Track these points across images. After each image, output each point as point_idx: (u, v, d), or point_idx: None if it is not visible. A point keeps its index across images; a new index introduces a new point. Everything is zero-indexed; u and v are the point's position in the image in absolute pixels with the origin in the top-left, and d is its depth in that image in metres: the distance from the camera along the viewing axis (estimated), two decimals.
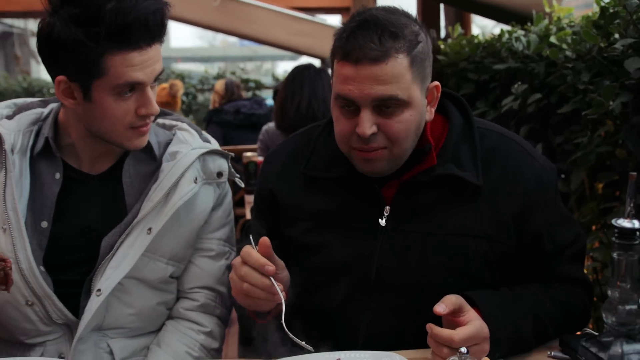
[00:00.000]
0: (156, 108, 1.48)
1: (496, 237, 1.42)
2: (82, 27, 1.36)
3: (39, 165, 1.54)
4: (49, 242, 1.52)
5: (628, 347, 1.14)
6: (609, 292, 1.13)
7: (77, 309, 1.50)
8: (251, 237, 1.36)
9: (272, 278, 1.30)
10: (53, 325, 1.51)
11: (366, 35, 1.32)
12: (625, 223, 1.11)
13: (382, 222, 1.45)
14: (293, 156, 1.59)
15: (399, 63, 1.32)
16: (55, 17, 1.38)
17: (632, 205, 1.09)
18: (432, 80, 1.43)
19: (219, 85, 5.92)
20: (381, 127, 1.36)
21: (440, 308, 1.25)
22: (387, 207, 1.46)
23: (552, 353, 1.36)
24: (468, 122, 1.50)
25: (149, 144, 1.56)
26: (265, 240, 1.32)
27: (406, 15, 1.39)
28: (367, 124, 1.34)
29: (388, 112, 1.35)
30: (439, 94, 1.46)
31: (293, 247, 1.53)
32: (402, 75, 1.33)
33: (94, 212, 1.55)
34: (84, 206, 1.55)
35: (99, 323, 1.51)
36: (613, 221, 1.10)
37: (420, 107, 1.39)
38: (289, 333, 1.28)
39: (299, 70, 3.60)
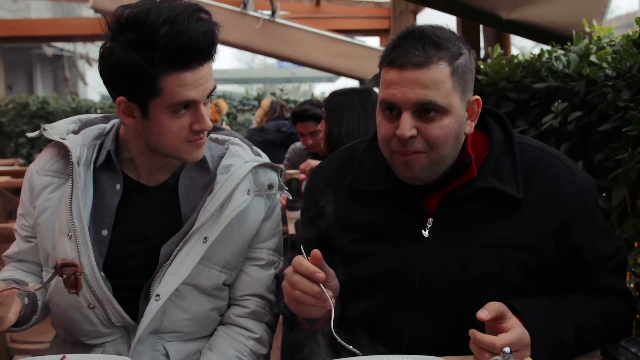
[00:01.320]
0: (209, 123, 1.56)
1: (536, 248, 1.45)
2: (139, 51, 1.44)
3: (101, 176, 1.63)
4: (108, 249, 1.60)
5: None
6: None
7: (135, 313, 1.58)
8: (302, 248, 1.41)
9: (322, 285, 1.36)
10: (112, 328, 1.60)
11: (411, 44, 1.41)
12: None
13: (425, 233, 1.50)
14: (339, 170, 1.65)
15: (440, 70, 1.40)
16: (115, 43, 1.47)
17: None
18: None
19: (266, 102, 6.18)
20: (420, 131, 1.42)
21: (483, 314, 1.28)
22: (430, 219, 1.51)
23: None
24: (509, 137, 1.54)
25: (203, 158, 1.63)
26: (316, 252, 1.38)
27: (451, 32, 1.46)
28: (407, 126, 1.41)
29: (428, 118, 1.42)
30: (480, 109, 1.51)
31: (339, 257, 1.58)
32: (442, 82, 1.40)
33: (151, 221, 1.63)
34: (142, 216, 1.63)
35: (156, 326, 1.58)
36: None
37: (459, 117, 1.45)
38: (338, 338, 1.33)
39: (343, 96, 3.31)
